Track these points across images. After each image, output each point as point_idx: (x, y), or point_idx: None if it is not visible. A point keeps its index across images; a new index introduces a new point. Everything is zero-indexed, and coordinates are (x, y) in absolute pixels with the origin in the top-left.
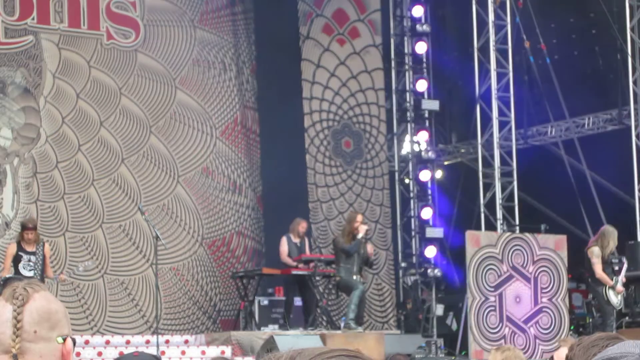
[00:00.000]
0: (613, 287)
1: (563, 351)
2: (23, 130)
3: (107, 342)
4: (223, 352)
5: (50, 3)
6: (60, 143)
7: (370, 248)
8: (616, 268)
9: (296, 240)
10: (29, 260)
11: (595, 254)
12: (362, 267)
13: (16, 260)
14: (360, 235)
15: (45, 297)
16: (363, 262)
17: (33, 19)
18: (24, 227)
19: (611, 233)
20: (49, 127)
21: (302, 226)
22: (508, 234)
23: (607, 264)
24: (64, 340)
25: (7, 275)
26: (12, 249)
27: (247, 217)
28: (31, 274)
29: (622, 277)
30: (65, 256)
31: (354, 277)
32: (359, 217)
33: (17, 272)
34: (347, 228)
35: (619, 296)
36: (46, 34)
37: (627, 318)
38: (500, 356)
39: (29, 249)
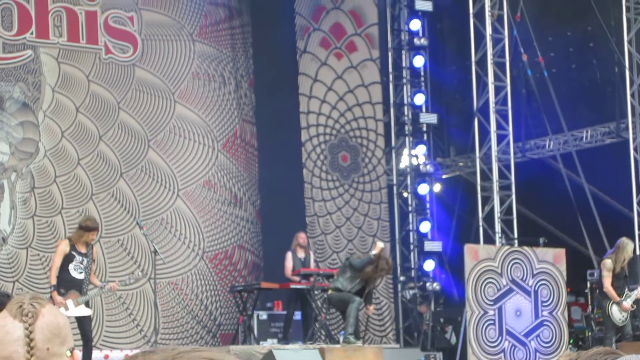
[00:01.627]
0: (619, 303)
1: None
2: (21, 145)
3: (106, 357)
4: None
5: (49, 17)
6: (60, 157)
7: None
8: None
9: (301, 254)
10: (81, 262)
11: (606, 267)
12: (362, 293)
13: (67, 259)
14: (373, 252)
15: (51, 311)
16: (364, 291)
17: (32, 33)
18: (91, 228)
19: (626, 246)
20: (48, 142)
21: (302, 237)
22: (507, 247)
23: (619, 279)
24: (72, 352)
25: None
26: (65, 246)
27: (247, 230)
28: (82, 276)
29: (637, 293)
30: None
31: (353, 292)
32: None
33: (65, 271)
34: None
35: (624, 313)
36: (45, 48)
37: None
38: None
39: (82, 249)
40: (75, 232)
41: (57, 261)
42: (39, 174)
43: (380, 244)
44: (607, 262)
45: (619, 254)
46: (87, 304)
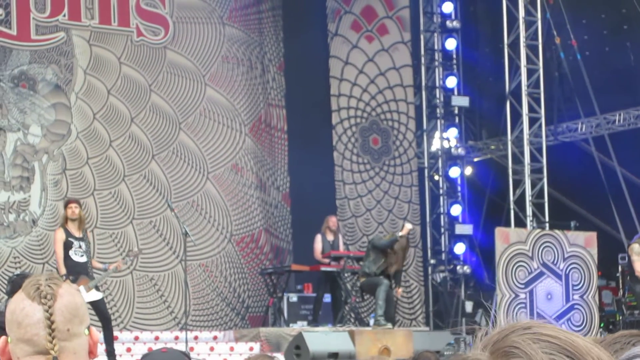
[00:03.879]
0: None
1: None
2: (53, 127)
3: (136, 338)
4: (252, 349)
5: (81, 0)
6: (91, 139)
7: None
8: None
9: (330, 237)
10: (79, 247)
11: (635, 251)
12: (389, 274)
13: (66, 246)
14: (401, 234)
15: (68, 291)
16: (390, 271)
17: (64, 15)
18: (67, 202)
19: None
20: (80, 123)
21: (332, 221)
22: (538, 230)
23: None
24: (89, 330)
25: (17, 273)
26: (61, 234)
27: (270, 215)
28: (84, 259)
29: None
30: (94, 253)
31: (378, 274)
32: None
33: (67, 258)
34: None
35: None
36: (77, 31)
37: None
38: None
39: (77, 234)
40: (61, 217)
41: (60, 250)
42: (71, 156)
43: (408, 226)
44: (636, 247)
45: None
46: (97, 288)
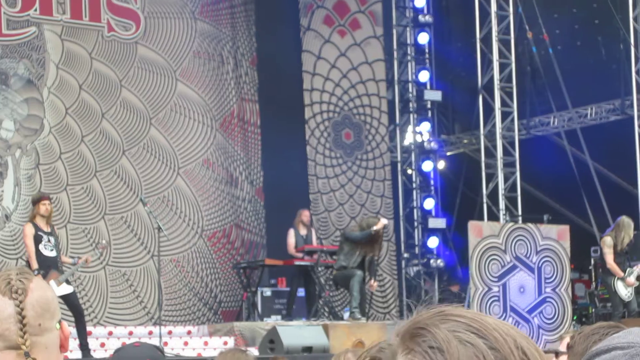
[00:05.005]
0: (623, 279)
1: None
2: (26, 121)
3: (110, 333)
4: (226, 343)
5: None
6: (64, 134)
7: (374, 285)
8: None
9: (303, 232)
10: (49, 241)
11: (607, 244)
12: (362, 267)
13: (36, 240)
14: (375, 228)
15: (39, 285)
16: (365, 263)
17: (35, 10)
18: (37, 198)
19: (626, 225)
20: (52, 118)
21: (305, 215)
22: (511, 224)
23: (620, 255)
24: (60, 324)
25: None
26: (30, 228)
27: (243, 209)
28: (53, 254)
29: (639, 270)
30: (67, 248)
31: (352, 267)
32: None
33: (37, 252)
34: (363, 224)
35: (630, 288)
36: (49, 25)
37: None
38: None
39: (46, 229)
40: (31, 212)
41: (30, 244)
42: (44, 151)
43: (384, 221)
44: (607, 240)
45: (618, 232)
46: (67, 282)
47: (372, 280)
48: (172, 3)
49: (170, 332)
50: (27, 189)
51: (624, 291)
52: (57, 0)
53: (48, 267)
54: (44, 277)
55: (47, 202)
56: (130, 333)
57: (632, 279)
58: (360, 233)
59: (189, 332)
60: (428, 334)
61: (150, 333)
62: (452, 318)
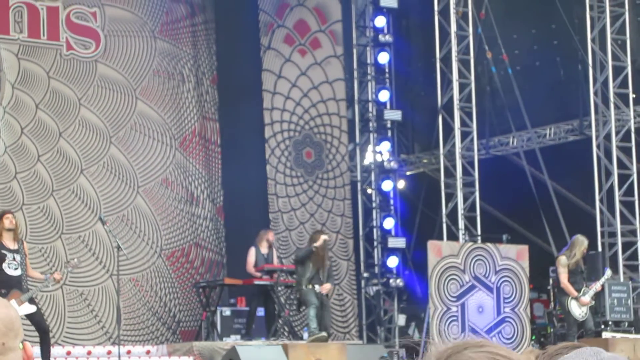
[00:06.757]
0: (577, 298)
1: None
2: None
3: (68, 353)
4: None
5: (10, 13)
6: (20, 154)
7: (326, 287)
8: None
9: (264, 251)
10: (13, 259)
11: (561, 263)
12: (319, 277)
13: None
14: (316, 244)
15: (2, 304)
16: (318, 274)
17: None
18: (3, 212)
19: (578, 242)
20: (8, 138)
21: (270, 235)
22: (470, 244)
23: (575, 274)
24: (23, 344)
25: None
26: None
27: (204, 228)
28: (17, 272)
29: (596, 288)
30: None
31: (307, 286)
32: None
33: (0, 272)
34: (310, 240)
35: (584, 308)
36: (5, 44)
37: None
38: None
39: (12, 246)
40: None
41: None
42: None
43: (324, 237)
44: (562, 259)
45: (572, 250)
46: (31, 301)
47: (327, 284)
48: (132, 21)
49: (129, 352)
50: None
51: (578, 311)
52: (14, 19)
53: (10, 287)
54: (5, 296)
55: (10, 215)
56: (89, 353)
57: (586, 299)
58: (303, 251)
59: (147, 352)
60: None
61: (109, 353)
62: (500, 358)
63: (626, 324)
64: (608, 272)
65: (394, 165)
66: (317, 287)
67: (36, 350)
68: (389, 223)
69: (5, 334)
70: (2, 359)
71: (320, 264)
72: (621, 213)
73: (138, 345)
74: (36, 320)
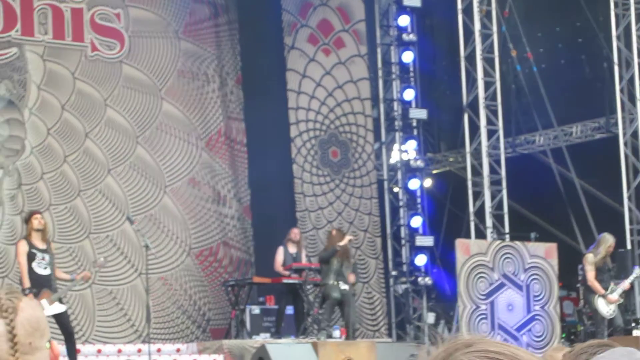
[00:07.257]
0: (604, 296)
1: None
2: (7, 142)
3: (99, 351)
4: None
5: (35, 15)
6: (46, 154)
7: (352, 277)
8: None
9: (292, 250)
10: (43, 259)
11: (588, 261)
12: (344, 274)
13: (29, 258)
14: (341, 244)
15: (29, 305)
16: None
17: (17, 30)
18: (29, 215)
19: (604, 240)
20: (34, 139)
21: (295, 233)
22: (498, 242)
23: (603, 272)
24: (50, 343)
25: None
26: (24, 246)
27: (231, 227)
28: (47, 272)
29: (624, 286)
30: None
31: (332, 282)
32: (333, 232)
33: (30, 270)
34: (327, 243)
35: (612, 306)
36: (30, 46)
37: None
38: None
39: (41, 246)
40: (25, 230)
41: (23, 262)
42: (25, 171)
43: (348, 237)
44: (589, 257)
45: (599, 248)
46: (60, 300)
47: (351, 274)
48: (156, 22)
49: (159, 350)
50: (11, 209)
51: (605, 308)
52: (39, 21)
53: (41, 285)
54: (36, 296)
55: (38, 216)
56: (119, 351)
57: (614, 296)
58: (327, 252)
59: (178, 350)
60: None
61: (139, 351)
62: (492, 355)
63: None
64: (637, 270)
65: (420, 163)
66: (342, 283)
67: (62, 349)
68: (417, 221)
69: (31, 334)
70: (29, 358)
71: (345, 258)
72: None
73: (168, 343)
74: (62, 322)
